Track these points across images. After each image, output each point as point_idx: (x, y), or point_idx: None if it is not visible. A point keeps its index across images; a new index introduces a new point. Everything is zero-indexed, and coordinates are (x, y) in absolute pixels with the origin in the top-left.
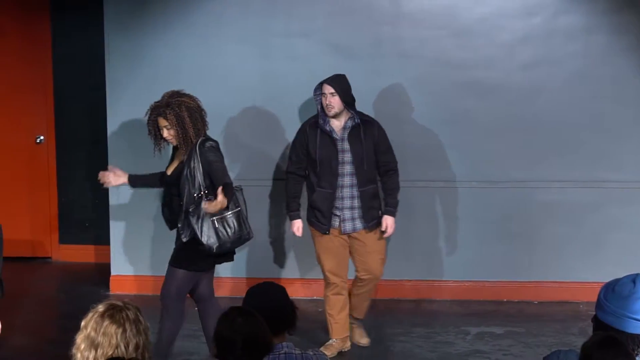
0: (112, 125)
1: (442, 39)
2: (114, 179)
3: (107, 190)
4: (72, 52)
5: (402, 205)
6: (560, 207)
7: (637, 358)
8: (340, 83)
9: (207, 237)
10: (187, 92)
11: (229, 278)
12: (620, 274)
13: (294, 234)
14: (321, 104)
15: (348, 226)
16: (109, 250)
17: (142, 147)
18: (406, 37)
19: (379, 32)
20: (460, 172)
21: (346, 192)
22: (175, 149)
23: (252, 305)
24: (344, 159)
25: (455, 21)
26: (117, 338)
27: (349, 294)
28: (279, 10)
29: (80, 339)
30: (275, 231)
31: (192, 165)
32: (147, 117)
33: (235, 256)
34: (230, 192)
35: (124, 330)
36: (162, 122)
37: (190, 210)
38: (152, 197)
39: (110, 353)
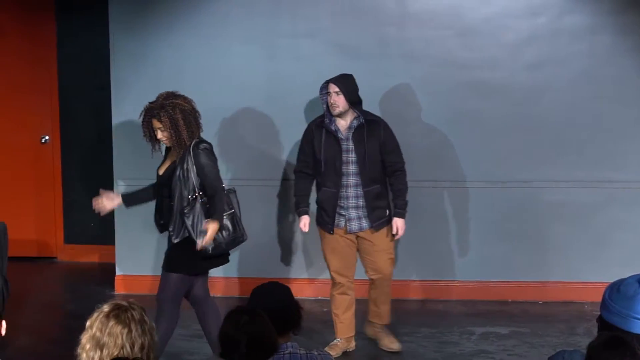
0: (117, 125)
1: (448, 39)
2: (108, 202)
3: (112, 190)
4: (77, 52)
5: (408, 205)
6: (565, 207)
7: None
8: (345, 82)
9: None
10: (182, 93)
11: (233, 278)
12: (626, 274)
13: (301, 229)
14: (327, 103)
15: (354, 226)
16: (113, 250)
17: (147, 147)
18: (411, 38)
19: (384, 33)
20: (465, 172)
21: (351, 191)
22: (168, 149)
23: (256, 305)
24: (348, 159)
25: (460, 21)
26: (122, 338)
27: (368, 302)
28: (285, 10)
29: (85, 339)
30: (279, 231)
31: (185, 167)
32: (141, 119)
33: (239, 256)
34: (218, 210)
35: (130, 331)
36: (156, 123)
37: (186, 211)
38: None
39: (115, 353)
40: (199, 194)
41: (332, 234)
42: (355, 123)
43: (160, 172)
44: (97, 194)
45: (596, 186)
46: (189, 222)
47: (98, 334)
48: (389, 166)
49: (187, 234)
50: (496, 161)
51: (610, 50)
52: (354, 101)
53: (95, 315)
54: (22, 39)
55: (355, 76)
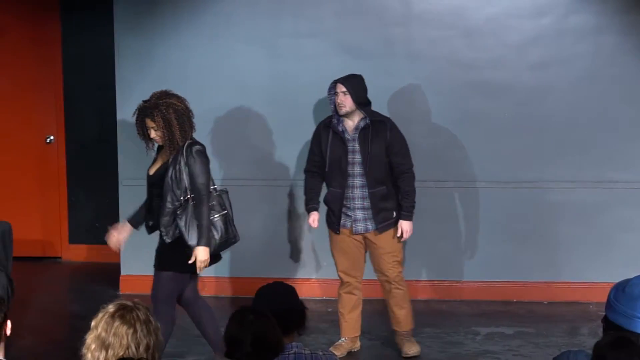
0: (121, 125)
1: (452, 40)
2: (121, 234)
3: (116, 190)
4: (82, 52)
5: None
6: (569, 207)
7: None
8: (353, 82)
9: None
10: (185, 92)
11: (233, 278)
12: (631, 274)
13: (310, 225)
14: (334, 103)
15: (360, 227)
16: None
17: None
18: (416, 38)
19: (389, 33)
20: (469, 172)
21: (357, 192)
22: (159, 148)
23: (261, 304)
24: (354, 160)
25: (465, 21)
26: (127, 339)
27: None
28: (288, 10)
29: (90, 339)
30: (281, 231)
31: (177, 168)
32: (134, 118)
33: (242, 257)
34: (205, 231)
35: (135, 331)
36: (150, 123)
37: (178, 212)
38: None
39: (121, 354)
40: (190, 196)
41: (339, 234)
42: (362, 124)
43: (151, 172)
44: (102, 193)
45: (601, 186)
46: (181, 224)
47: (103, 334)
48: (395, 167)
49: (179, 234)
50: (500, 161)
51: (615, 50)
52: (362, 102)
53: (100, 315)
54: (27, 39)
55: None
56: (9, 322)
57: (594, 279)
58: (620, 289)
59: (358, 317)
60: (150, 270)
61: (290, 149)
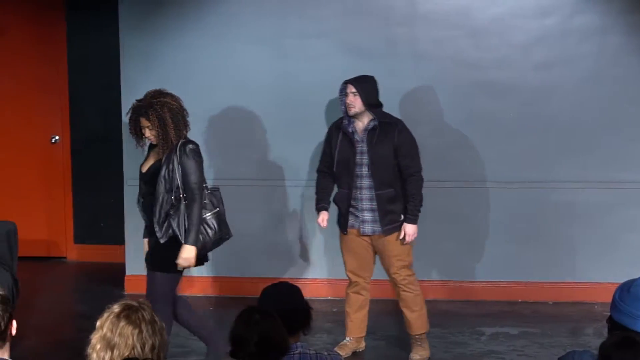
0: (126, 125)
1: (457, 40)
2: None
3: (122, 189)
4: (87, 52)
5: None
6: (575, 207)
7: None
8: (363, 83)
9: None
10: (179, 92)
11: (234, 278)
12: (636, 274)
13: (319, 224)
14: (345, 103)
15: (367, 228)
16: (123, 250)
17: None
18: (421, 38)
19: (394, 33)
20: (474, 172)
21: (365, 193)
22: (151, 146)
23: (267, 304)
24: (362, 161)
25: (470, 21)
26: (133, 339)
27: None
28: (294, 11)
29: (95, 339)
30: (283, 231)
31: (170, 167)
32: (128, 116)
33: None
34: (194, 230)
35: (140, 331)
36: (144, 122)
37: (171, 212)
38: None
39: (126, 354)
40: (183, 195)
41: (346, 234)
42: (371, 125)
43: (144, 170)
44: (107, 193)
45: (606, 186)
46: (174, 224)
47: (109, 334)
48: (403, 170)
49: (172, 234)
50: (505, 161)
51: (620, 51)
52: (372, 103)
53: (105, 315)
54: (32, 39)
55: None
56: (14, 322)
57: (599, 279)
58: (625, 289)
59: (364, 317)
60: None
61: (296, 149)
